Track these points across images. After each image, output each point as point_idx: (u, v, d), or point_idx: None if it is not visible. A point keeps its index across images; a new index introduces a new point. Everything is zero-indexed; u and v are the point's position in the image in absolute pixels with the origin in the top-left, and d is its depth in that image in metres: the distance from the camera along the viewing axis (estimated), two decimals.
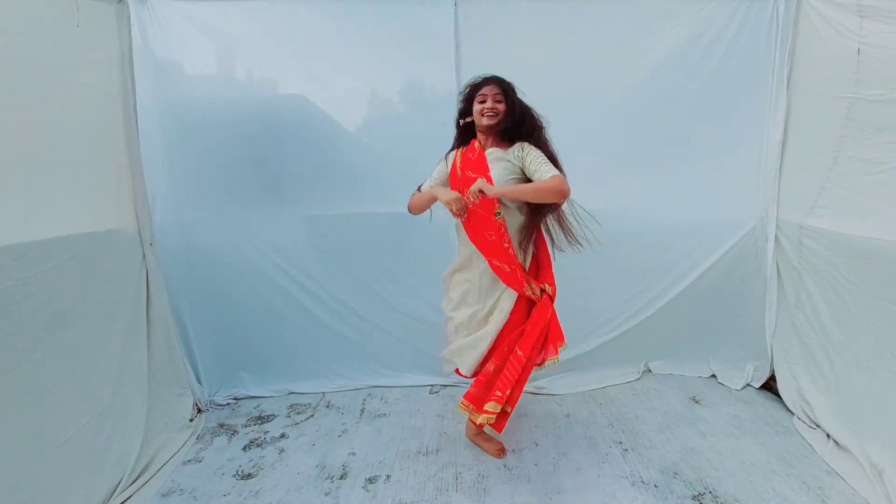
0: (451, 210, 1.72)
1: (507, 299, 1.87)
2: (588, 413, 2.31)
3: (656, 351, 2.67)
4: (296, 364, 2.56)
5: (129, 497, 1.74)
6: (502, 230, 1.77)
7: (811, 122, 2.17)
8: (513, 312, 1.86)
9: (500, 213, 1.77)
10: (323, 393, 2.53)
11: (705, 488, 1.78)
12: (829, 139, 2.04)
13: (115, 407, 1.82)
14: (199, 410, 2.33)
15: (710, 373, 2.63)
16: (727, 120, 2.40)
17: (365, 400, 2.47)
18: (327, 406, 2.42)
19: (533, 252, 1.90)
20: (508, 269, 1.80)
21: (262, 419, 2.31)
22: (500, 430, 1.84)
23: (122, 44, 2.00)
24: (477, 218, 1.78)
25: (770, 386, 2.47)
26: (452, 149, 1.95)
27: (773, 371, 2.45)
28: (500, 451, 2.00)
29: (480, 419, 1.78)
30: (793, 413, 2.22)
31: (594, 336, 2.62)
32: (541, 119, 1.84)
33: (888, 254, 1.77)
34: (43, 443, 1.50)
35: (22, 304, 1.45)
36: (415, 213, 1.98)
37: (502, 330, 1.86)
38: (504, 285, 1.86)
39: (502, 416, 1.81)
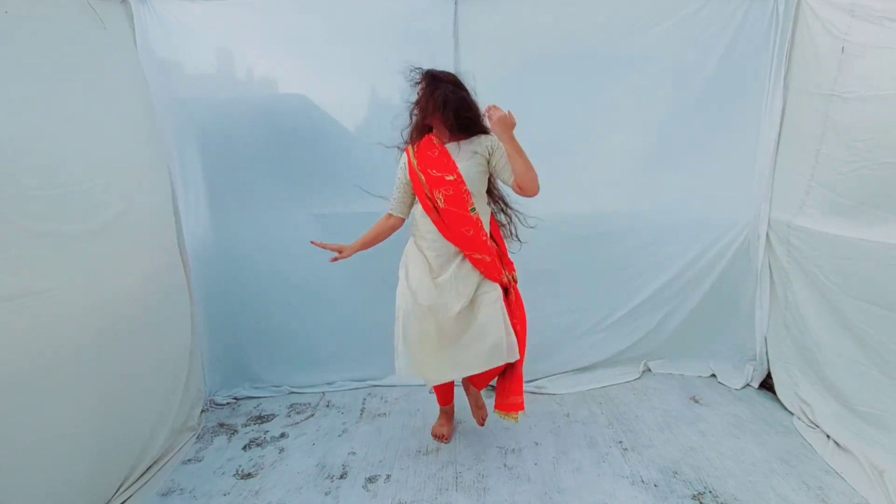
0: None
1: (489, 287, 1.83)
2: (588, 412, 2.31)
3: (656, 350, 2.67)
4: (296, 363, 2.56)
5: (130, 497, 1.74)
6: (479, 224, 1.78)
7: (801, 120, 2.18)
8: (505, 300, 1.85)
9: (474, 209, 1.77)
10: (323, 392, 2.53)
11: (705, 487, 1.78)
12: (812, 137, 2.04)
13: (132, 407, 1.83)
14: (200, 410, 2.33)
15: (710, 372, 2.63)
16: (724, 119, 2.39)
17: (365, 399, 2.47)
18: (327, 405, 2.42)
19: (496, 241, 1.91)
20: (489, 259, 1.81)
21: (261, 419, 2.31)
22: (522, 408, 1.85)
23: (132, 43, 2.01)
24: (452, 216, 1.77)
25: (768, 385, 2.47)
26: (406, 145, 1.89)
27: (770, 371, 2.45)
28: (483, 420, 2.07)
29: (516, 415, 1.84)
30: (792, 413, 2.22)
31: (591, 335, 2.61)
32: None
33: (868, 254, 1.77)
34: (50, 443, 1.50)
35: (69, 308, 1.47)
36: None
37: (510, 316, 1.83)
38: (477, 277, 1.83)
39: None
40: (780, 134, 2.30)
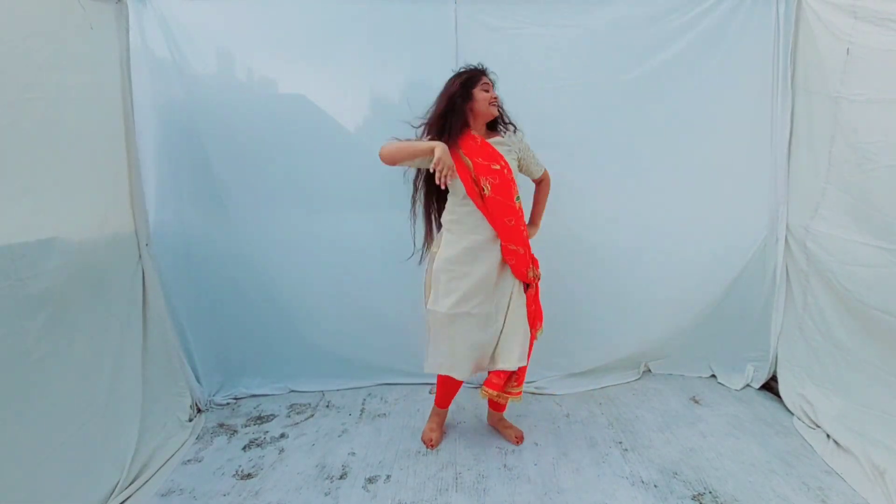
0: (441, 173, 1.65)
1: (518, 292, 1.91)
2: (588, 413, 2.31)
3: (657, 352, 2.66)
4: (296, 364, 2.56)
5: (129, 497, 1.74)
6: (521, 213, 1.84)
7: (812, 122, 2.17)
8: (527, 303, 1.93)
9: (519, 198, 1.84)
10: (323, 392, 2.53)
11: (705, 488, 1.78)
12: (824, 139, 2.04)
13: (111, 407, 1.83)
14: (199, 410, 2.33)
15: (710, 373, 2.63)
16: (732, 122, 2.38)
17: (365, 400, 2.47)
18: (327, 406, 2.42)
19: None
20: (522, 252, 1.86)
21: (261, 419, 2.31)
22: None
23: (121, 44, 2.00)
24: (497, 205, 1.79)
25: (770, 386, 2.47)
26: (435, 134, 1.81)
27: (775, 372, 2.45)
28: (520, 438, 2.08)
29: (511, 400, 1.92)
30: (793, 413, 2.22)
31: (601, 342, 2.59)
32: None
33: (877, 260, 1.76)
34: (41, 443, 1.51)
35: (20, 305, 1.45)
36: (389, 162, 1.77)
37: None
38: (512, 277, 1.89)
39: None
40: (791, 136, 2.29)
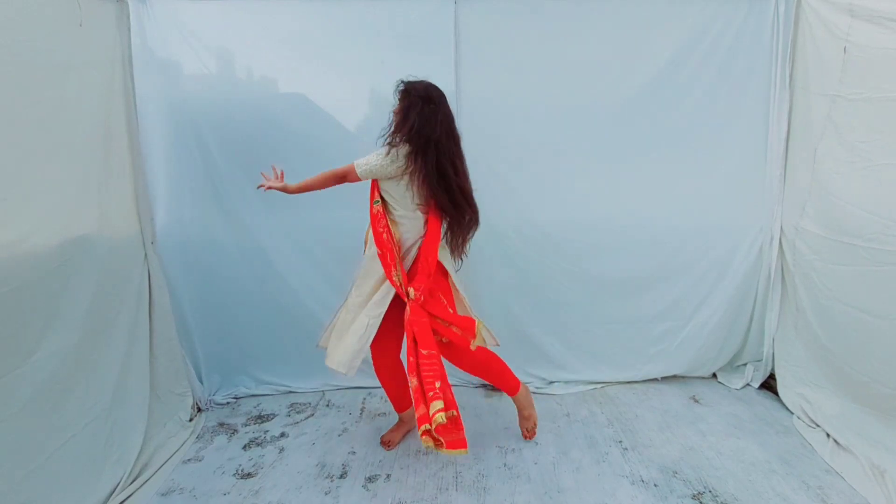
0: None
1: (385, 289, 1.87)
2: (588, 412, 2.31)
3: (663, 358, 2.62)
4: (296, 363, 2.56)
5: (129, 496, 1.74)
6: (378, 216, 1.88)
7: (807, 120, 2.18)
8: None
9: (377, 202, 1.91)
10: (323, 392, 2.54)
11: (705, 487, 1.78)
12: (814, 137, 2.05)
13: (116, 407, 1.83)
14: (199, 409, 2.33)
15: (710, 372, 2.63)
16: (730, 121, 2.39)
17: (365, 399, 2.48)
18: (327, 405, 2.42)
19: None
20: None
21: (262, 418, 2.31)
22: (464, 447, 1.67)
23: (122, 43, 2.00)
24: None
25: (769, 385, 2.47)
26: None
27: (773, 370, 2.45)
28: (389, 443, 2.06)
29: (437, 419, 1.63)
30: (792, 413, 2.22)
31: (604, 348, 2.57)
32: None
33: (861, 259, 1.77)
34: (43, 443, 1.51)
35: (23, 305, 1.45)
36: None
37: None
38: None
39: (454, 424, 1.67)
40: (788, 134, 2.29)
